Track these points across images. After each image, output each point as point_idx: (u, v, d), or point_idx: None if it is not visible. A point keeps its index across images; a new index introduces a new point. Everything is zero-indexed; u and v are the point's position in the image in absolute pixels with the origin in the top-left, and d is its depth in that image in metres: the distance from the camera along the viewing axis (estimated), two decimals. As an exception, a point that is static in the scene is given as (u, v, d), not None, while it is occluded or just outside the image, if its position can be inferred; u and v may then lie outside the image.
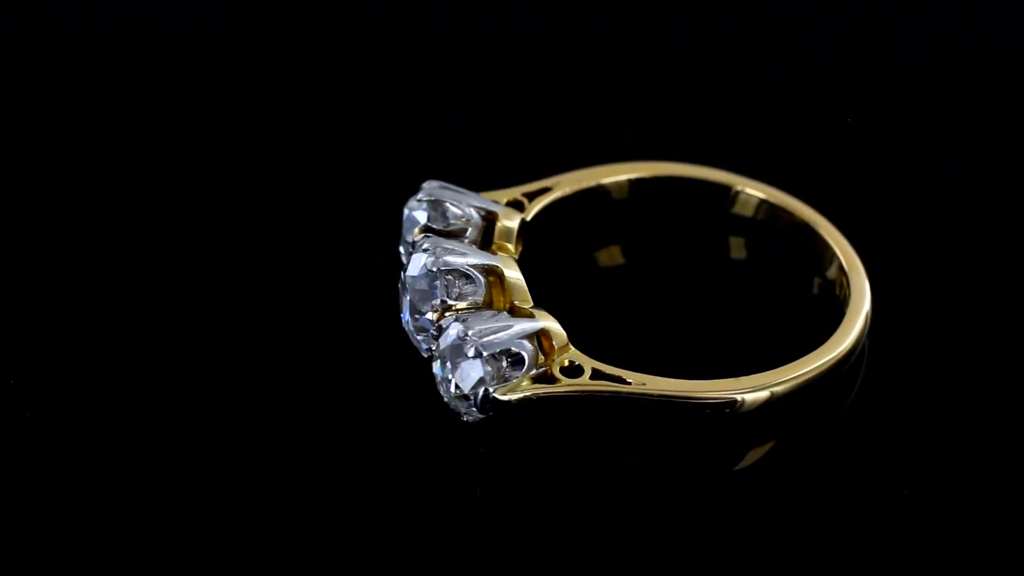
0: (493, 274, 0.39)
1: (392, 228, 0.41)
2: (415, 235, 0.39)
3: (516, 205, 0.41)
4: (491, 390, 0.37)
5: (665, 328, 0.41)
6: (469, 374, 0.37)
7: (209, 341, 0.39)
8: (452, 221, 0.40)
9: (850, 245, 0.41)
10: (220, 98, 0.46)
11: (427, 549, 0.36)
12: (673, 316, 0.41)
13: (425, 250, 0.38)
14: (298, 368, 0.39)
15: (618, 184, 0.43)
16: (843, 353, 0.39)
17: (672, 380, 0.38)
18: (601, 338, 0.40)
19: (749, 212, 0.43)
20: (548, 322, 0.38)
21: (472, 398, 0.37)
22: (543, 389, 0.37)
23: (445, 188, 0.40)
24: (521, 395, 0.37)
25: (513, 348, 0.37)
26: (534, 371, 0.37)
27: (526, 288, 0.39)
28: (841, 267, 0.41)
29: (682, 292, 0.42)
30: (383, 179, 0.44)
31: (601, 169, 0.43)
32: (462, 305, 0.38)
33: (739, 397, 0.37)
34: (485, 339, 0.37)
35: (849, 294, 0.40)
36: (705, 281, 0.42)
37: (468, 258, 0.38)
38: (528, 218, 0.41)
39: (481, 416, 0.37)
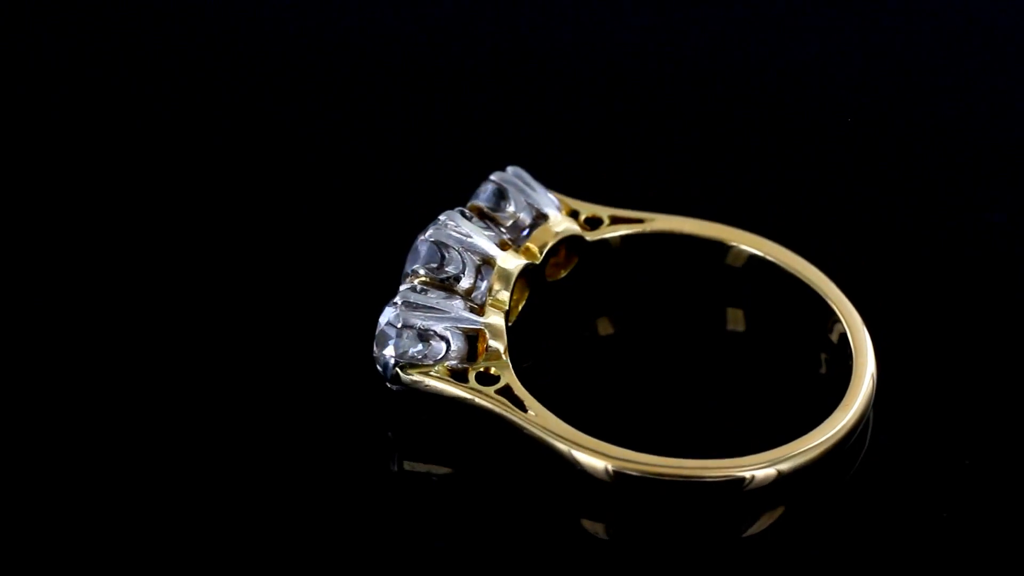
0: (488, 264, 0.38)
1: (392, 229, 0.41)
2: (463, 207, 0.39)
3: (592, 222, 0.40)
4: (400, 363, 0.37)
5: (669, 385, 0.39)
6: (384, 342, 0.37)
7: (208, 340, 0.39)
8: (507, 209, 0.39)
9: (852, 306, 0.38)
10: (220, 97, 0.46)
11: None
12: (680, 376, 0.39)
13: (437, 221, 0.39)
14: (296, 367, 0.39)
15: (698, 240, 0.40)
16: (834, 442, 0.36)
17: (567, 427, 0.35)
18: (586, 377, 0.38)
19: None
20: (493, 320, 0.37)
21: (382, 366, 0.37)
22: (441, 383, 0.36)
23: (520, 178, 0.40)
24: (413, 379, 0.36)
25: (440, 333, 0.37)
26: (455, 364, 0.37)
27: (509, 289, 0.38)
28: (844, 334, 0.37)
29: (705, 354, 0.39)
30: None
31: (698, 223, 0.40)
32: (438, 278, 0.38)
33: (607, 467, 0.35)
34: (412, 314, 0.37)
35: (852, 365, 0.37)
36: (707, 344, 0.39)
37: (470, 240, 0.38)
38: (590, 239, 0.40)
39: (393, 387, 0.37)
